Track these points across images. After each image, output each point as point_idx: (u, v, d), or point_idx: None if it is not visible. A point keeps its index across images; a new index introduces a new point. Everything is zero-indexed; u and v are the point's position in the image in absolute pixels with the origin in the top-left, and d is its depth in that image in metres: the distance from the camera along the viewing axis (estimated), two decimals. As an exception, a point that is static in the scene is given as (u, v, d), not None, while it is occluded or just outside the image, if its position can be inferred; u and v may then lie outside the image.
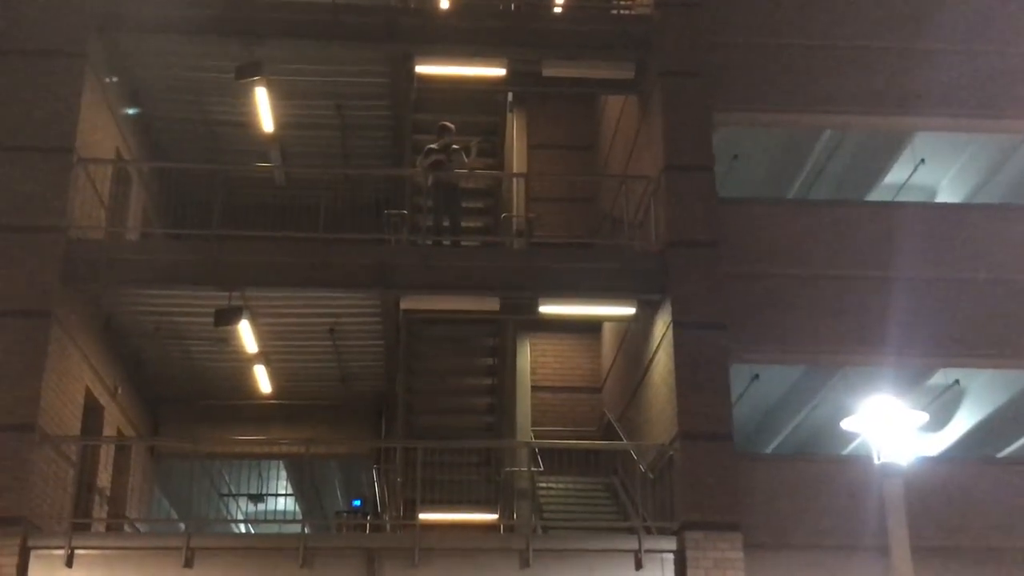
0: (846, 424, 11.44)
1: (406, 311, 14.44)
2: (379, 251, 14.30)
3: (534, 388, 18.05)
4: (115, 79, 15.52)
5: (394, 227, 15.14)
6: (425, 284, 13.76)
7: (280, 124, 17.09)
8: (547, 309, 14.27)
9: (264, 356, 17.00)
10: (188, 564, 12.13)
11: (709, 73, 14.42)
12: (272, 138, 17.55)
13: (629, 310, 14.32)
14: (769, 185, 16.57)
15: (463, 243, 15.92)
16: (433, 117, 16.48)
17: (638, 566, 12.30)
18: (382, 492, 16.18)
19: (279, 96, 16.45)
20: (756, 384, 15.28)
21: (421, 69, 15.22)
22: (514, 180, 17.68)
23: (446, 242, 15.36)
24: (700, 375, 12.85)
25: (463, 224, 16.23)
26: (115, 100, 15.54)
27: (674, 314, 13.19)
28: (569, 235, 18.29)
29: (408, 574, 12.22)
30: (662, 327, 13.61)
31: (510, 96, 18.52)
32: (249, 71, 14.82)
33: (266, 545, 13.00)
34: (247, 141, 17.78)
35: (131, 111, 15.84)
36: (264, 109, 16.32)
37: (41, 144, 13.56)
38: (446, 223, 15.61)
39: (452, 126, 15.81)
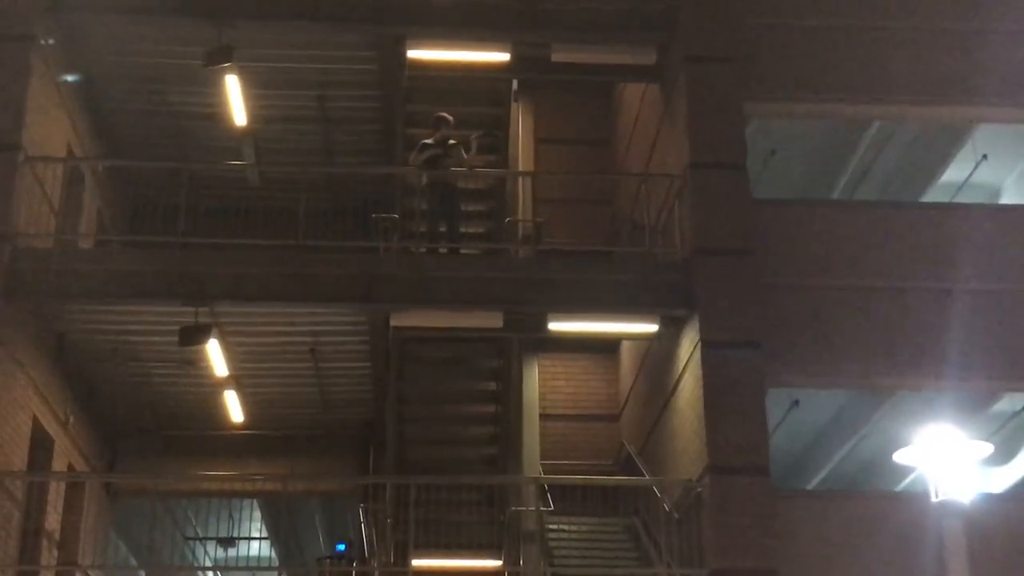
0: (900, 457, 11.41)
1: (397, 329, 14.45)
2: (366, 260, 14.27)
3: (543, 416, 18.02)
4: (67, 66, 15.52)
5: (383, 233, 15.13)
6: (419, 298, 13.76)
7: (254, 117, 17.11)
8: (557, 326, 14.26)
9: (236, 380, 16.99)
10: (149, 618, 12.09)
11: (741, 58, 14.43)
12: (245, 133, 17.59)
13: (651, 327, 14.31)
14: (810, 184, 16.57)
15: (462, 251, 15.91)
16: (427, 108, 16.48)
17: (662, 619, 12.22)
18: (370, 535, 16.12)
19: (253, 85, 16.47)
20: (796, 411, 15.25)
21: (414, 54, 15.23)
22: (519, 179, 17.67)
23: (442, 250, 15.34)
24: (732, 401, 12.82)
25: (462, 230, 16.22)
26: (67, 90, 15.53)
27: (702, 331, 13.18)
28: (582, 242, 18.26)
29: (400, 629, 12.16)
30: (689, 346, 13.59)
31: (515, 84, 18.51)
32: (219, 57, 14.82)
33: (238, 596, 12.95)
34: (217, 136, 17.80)
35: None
36: (236, 100, 16.33)
37: (-18, 140, 13.55)
38: (442, 228, 15.61)
39: (450, 118, 15.81)
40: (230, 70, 15.38)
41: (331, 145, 18.31)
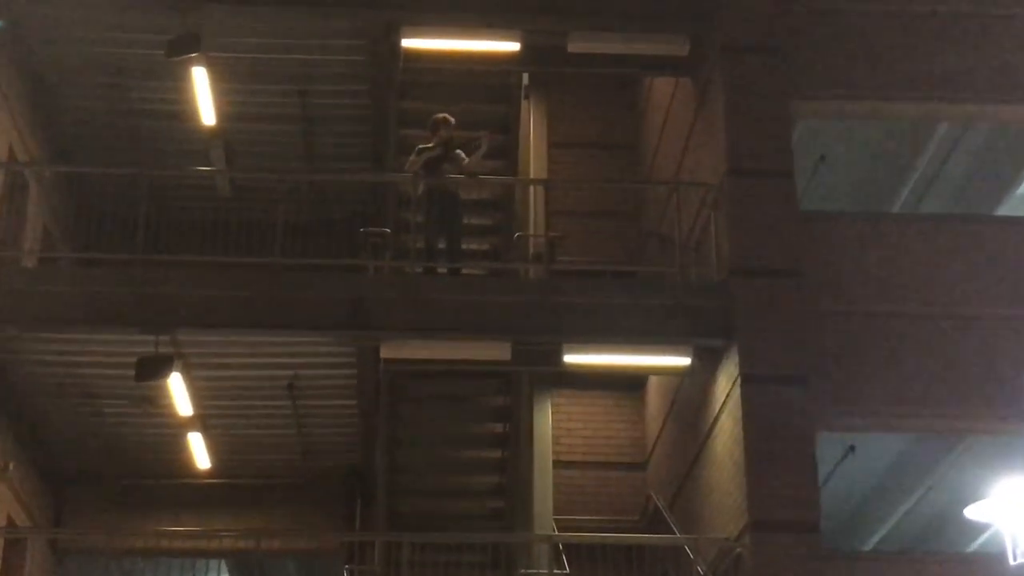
0: (972, 512, 11.35)
1: (388, 361, 14.41)
2: (353, 282, 14.29)
3: (557, 464, 17.96)
4: (8, 57, 15.57)
5: (373, 250, 15.16)
6: (414, 325, 13.74)
7: (224, 116, 17.22)
8: (574, 359, 14.24)
9: (202, 421, 17.03)
10: None
11: (787, 49, 14.45)
12: (214, 134, 17.69)
13: (683, 360, 14.31)
14: (866, 195, 16.59)
15: (464, 271, 15.92)
16: (424, 106, 16.56)
17: None
18: (356, 601, 16.08)
19: (223, 79, 16.56)
20: (851, 459, 15.21)
21: (408, 43, 15.28)
22: (531, 188, 17.69)
23: (441, 270, 15.36)
24: (777, 446, 12.77)
25: (464, 246, 16.23)
26: (9, 84, 15.57)
27: (742, 365, 13.16)
28: (603, 261, 18.25)
29: None
30: (726, 383, 13.58)
31: (526, 79, 18.56)
32: (184, 46, 14.86)
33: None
34: (182, 138, 17.90)
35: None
36: (203, 96, 16.41)
37: (-91, 142, 13.71)
38: (442, 245, 15.63)
39: (451, 119, 15.82)
40: (197, 61, 15.41)
41: (313, 148, 18.39)
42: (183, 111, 17.16)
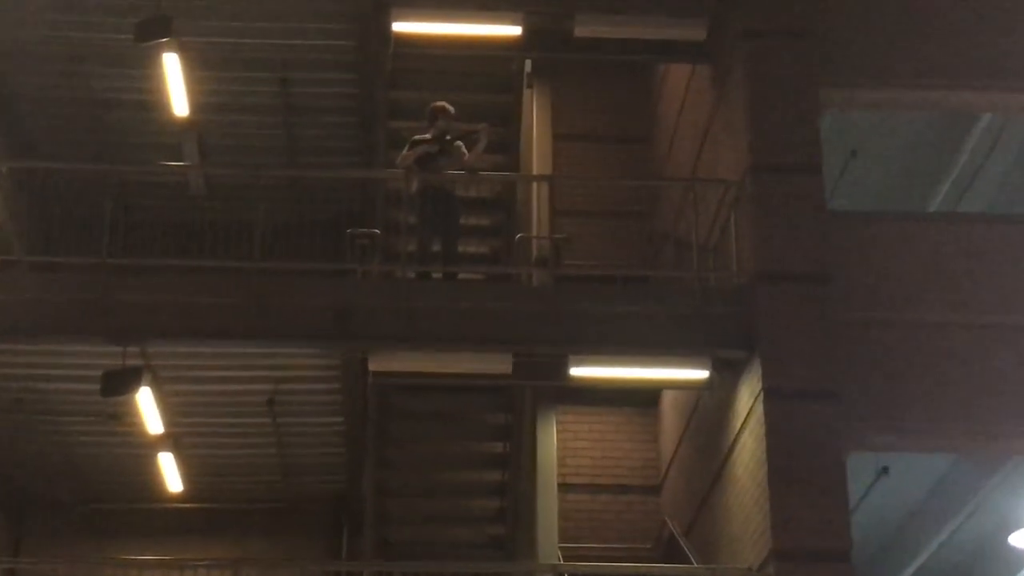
0: (1017, 540, 11.36)
1: (377, 375, 14.37)
2: (339, 288, 14.26)
3: (563, 487, 17.93)
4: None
5: (361, 253, 15.10)
6: (405, 335, 13.71)
7: (198, 106, 17.21)
8: (581, 372, 14.23)
9: (173, 440, 17.03)
10: None
11: (816, 32, 14.46)
12: (187, 126, 17.69)
13: (700, 373, 14.30)
14: (901, 193, 16.61)
15: (461, 276, 15.95)
16: (417, 96, 16.60)
17: None
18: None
19: (197, 66, 16.55)
20: (885, 481, 15.23)
21: (400, 27, 15.25)
22: (534, 186, 17.63)
23: (436, 275, 15.37)
24: (803, 468, 12.77)
25: (461, 249, 16.24)
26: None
27: (765, 379, 13.15)
28: (613, 264, 18.26)
29: None
30: (748, 398, 13.58)
31: (528, 67, 18.55)
32: (154, 30, 14.87)
33: None
34: (151, 131, 17.90)
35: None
36: (175, 85, 16.35)
37: None
38: (437, 247, 15.63)
39: (451, 108, 15.83)
40: (168, 47, 15.38)
41: (295, 142, 18.40)
42: (152, 101, 17.16)
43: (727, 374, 14.18)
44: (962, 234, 14.27)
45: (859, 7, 14.79)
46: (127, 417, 16.14)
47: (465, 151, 15.75)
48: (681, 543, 16.17)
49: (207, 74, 16.86)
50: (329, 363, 15.40)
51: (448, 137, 15.68)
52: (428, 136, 15.60)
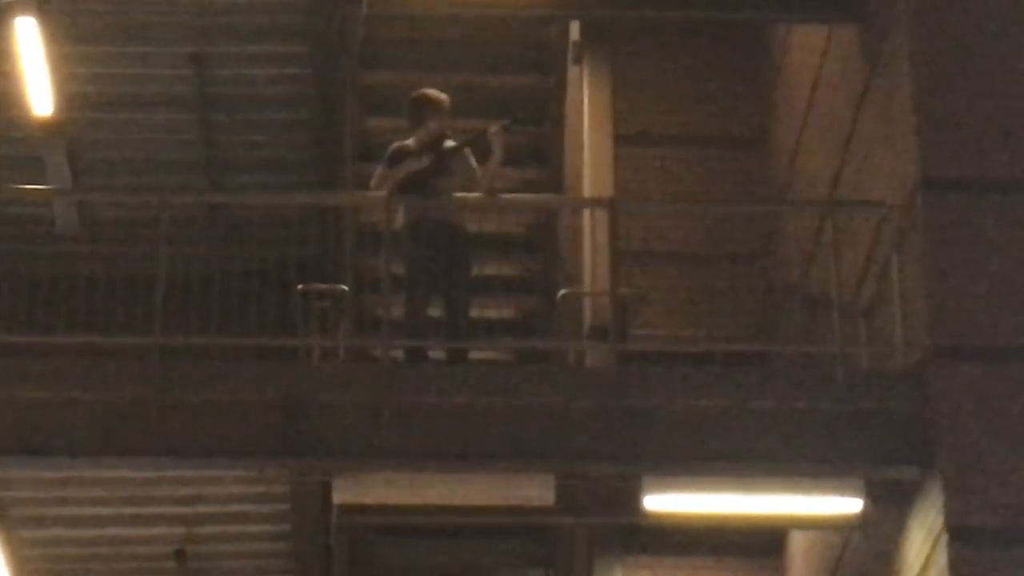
0: None
1: (346, 510, 14.56)
2: (286, 375, 14.29)
3: None
4: None
5: (320, 322, 15.23)
6: (388, 449, 13.80)
7: (72, 101, 17.36)
8: (661, 503, 14.33)
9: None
10: None
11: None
12: (52, 131, 17.82)
13: (848, 504, 14.36)
14: None
15: (473, 355, 16.05)
16: (401, 79, 16.57)
17: None
18: None
19: (68, 39, 16.76)
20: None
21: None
22: (585, 214, 17.60)
23: (436, 354, 15.38)
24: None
25: (475, 313, 16.27)
26: None
27: (948, 512, 13.16)
28: (709, 336, 18.12)
29: None
30: (923, 541, 13.63)
31: (575, 32, 18.54)
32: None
33: None
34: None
35: None
36: (34, 67, 16.53)
37: None
38: (435, 311, 15.65)
39: (442, 97, 15.85)
40: (23, 8, 15.55)
41: (218, 152, 18.46)
42: (2, 93, 17.23)
43: (890, 505, 14.29)
44: None
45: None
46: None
47: (474, 164, 15.68)
48: None
49: (82, 50, 17.01)
50: (271, 492, 15.52)
51: (445, 144, 15.66)
52: (411, 143, 15.57)
